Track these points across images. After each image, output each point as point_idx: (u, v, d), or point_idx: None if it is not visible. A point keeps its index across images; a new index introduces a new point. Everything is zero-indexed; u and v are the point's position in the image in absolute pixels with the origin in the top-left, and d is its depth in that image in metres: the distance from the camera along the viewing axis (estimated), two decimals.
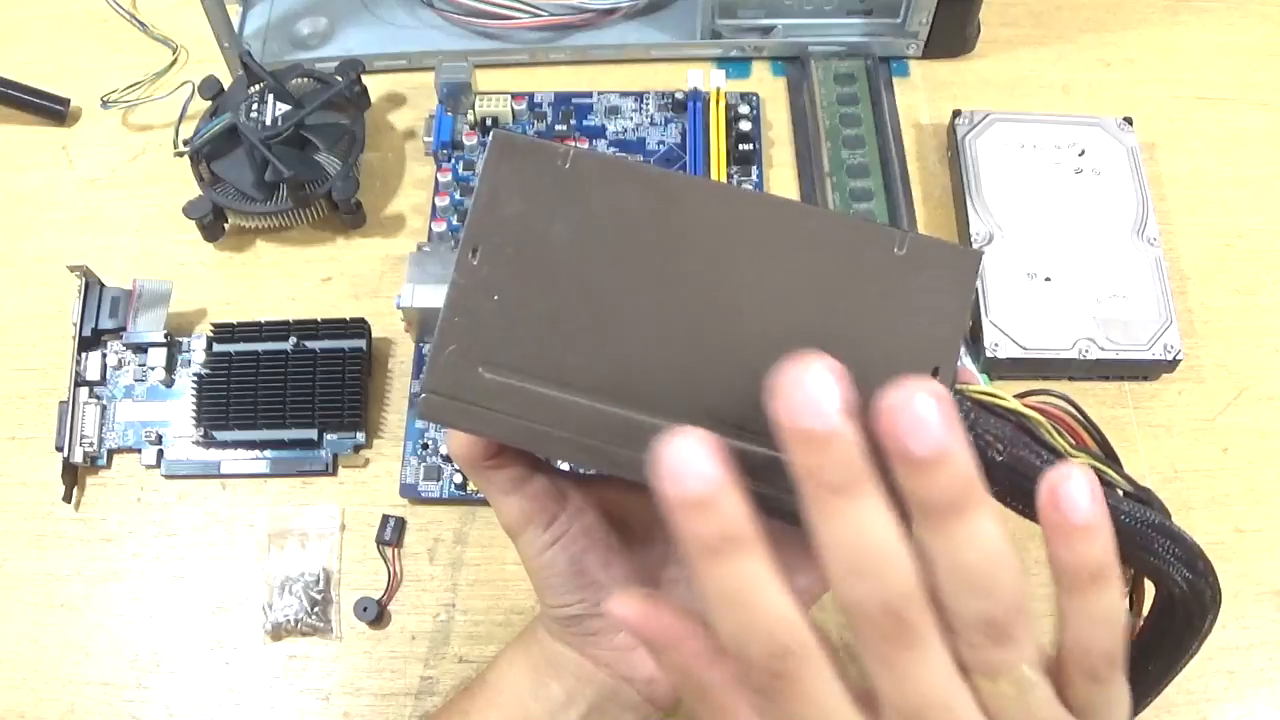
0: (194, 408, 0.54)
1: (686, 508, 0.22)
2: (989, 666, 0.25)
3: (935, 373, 0.28)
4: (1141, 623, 0.34)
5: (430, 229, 0.59)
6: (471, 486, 0.53)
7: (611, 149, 0.62)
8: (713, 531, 0.23)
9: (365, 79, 0.61)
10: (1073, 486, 0.24)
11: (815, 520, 0.23)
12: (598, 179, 0.29)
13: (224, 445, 0.54)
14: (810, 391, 0.22)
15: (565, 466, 0.40)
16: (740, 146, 0.61)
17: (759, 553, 0.23)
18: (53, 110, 0.64)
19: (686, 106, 0.62)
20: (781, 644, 0.24)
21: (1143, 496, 0.32)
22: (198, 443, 0.54)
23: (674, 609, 0.27)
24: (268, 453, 0.54)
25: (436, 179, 0.61)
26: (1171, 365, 0.54)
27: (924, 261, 0.29)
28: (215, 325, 0.56)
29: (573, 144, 0.30)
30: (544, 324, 0.29)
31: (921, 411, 0.22)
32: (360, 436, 0.54)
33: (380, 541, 0.52)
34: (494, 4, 0.64)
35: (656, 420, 0.28)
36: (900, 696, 0.24)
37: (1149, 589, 0.34)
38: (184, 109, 0.63)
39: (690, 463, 0.22)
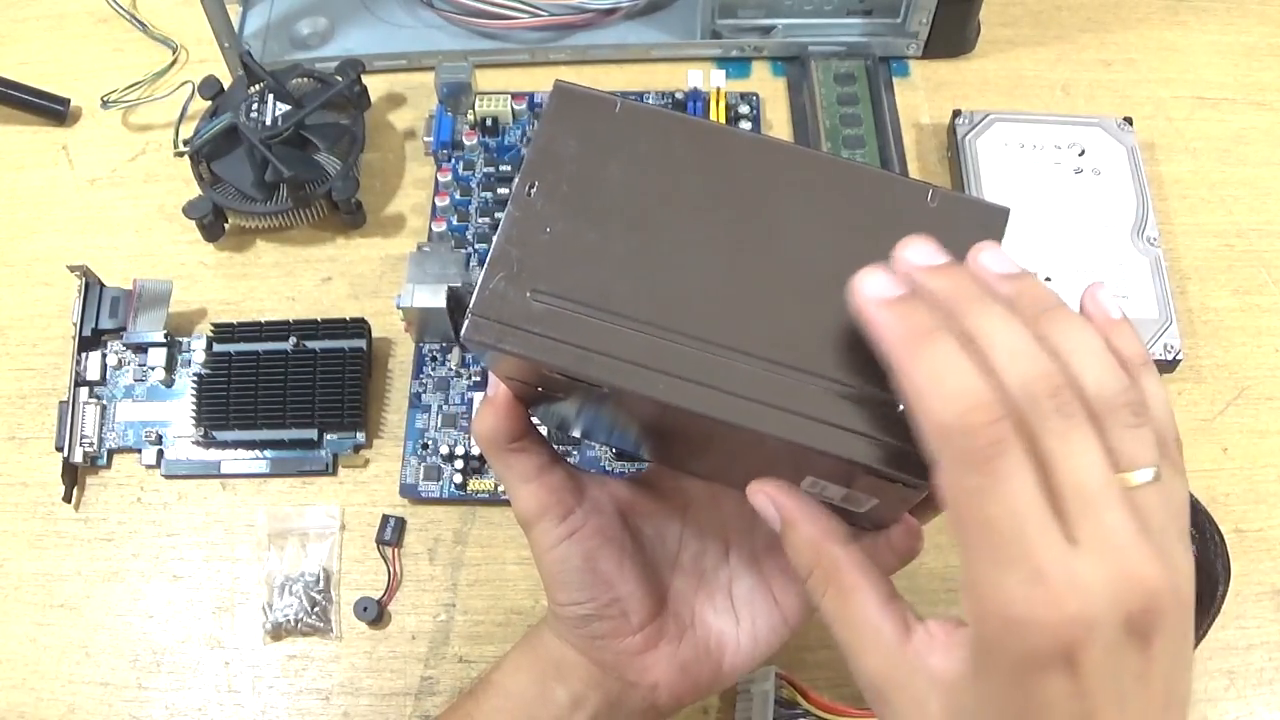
0: (194, 408, 0.54)
1: (891, 303, 0.27)
2: (1130, 455, 0.27)
3: None
4: None
5: (430, 229, 0.59)
6: (472, 486, 0.53)
7: None
8: (921, 318, 0.27)
9: (365, 79, 0.61)
10: (1104, 294, 0.29)
11: (976, 322, 0.27)
12: (647, 127, 0.31)
13: (224, 445, 0.54)
14: (924, 244, 0.29)
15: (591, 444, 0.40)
16: None
17: (959, 341, 0.27)
18: (53, 110, 0.64)
19: (687, 106, 0.62)
20: (998, 409, 0.26)
21: None
22: (198, 443, 0.54)
23: (803, 495, 0.32)
24: (268, 453, 0.54)
25: (436, 179, 0.60)
26: (1171, 365, 0.54)
27: (955, 214, 0.30)
28: (215, 325, 0.56)
29: (624, 96, 0.32)
30: (593, 255, 0.30)
31: (999, 248, 0.29)
32: (360, 436, 0.54)
33: (380, 541, 0.52)
34: (494, 4, 0.64)
35: (697, 348, 0.29)
36: (1079, 475, 0.26)
37: None
38: (184, 109, 0.63)
39: (886, 278, 0.28)
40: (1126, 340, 0.29)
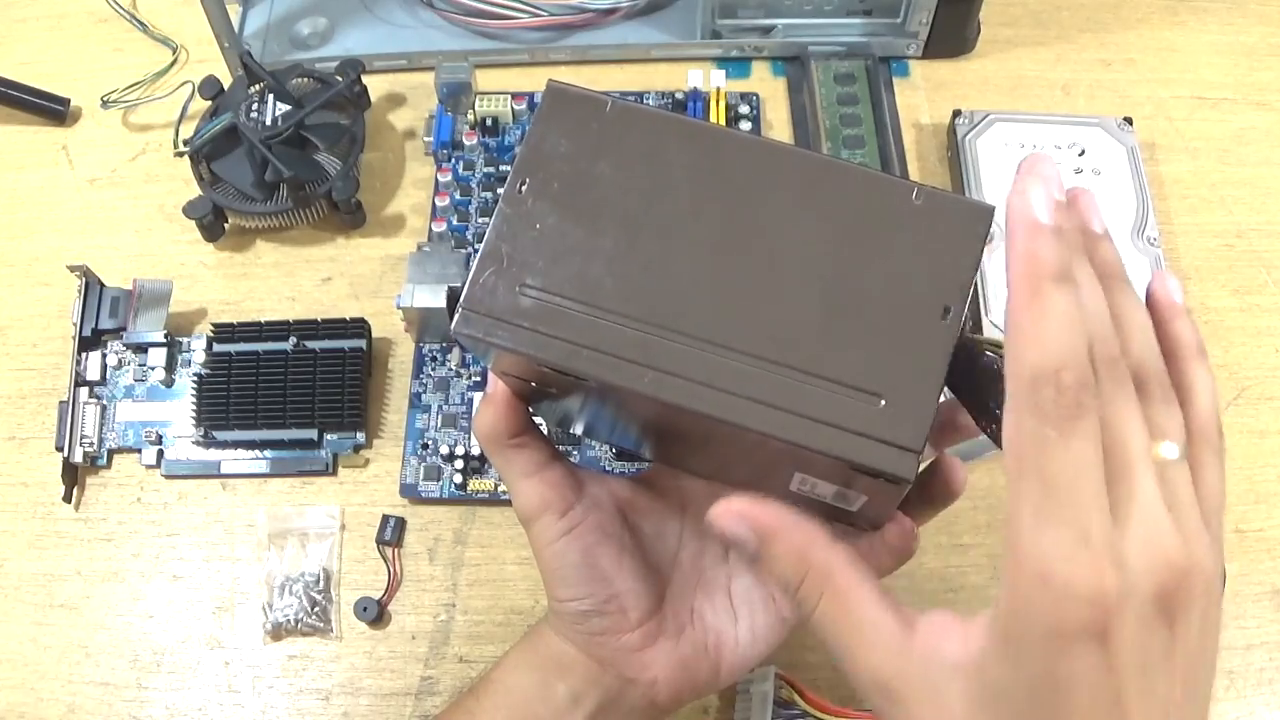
0: (194, 408, 0.54)
1: (1042, 231, 0.27)
2: (1160, 427, 0.27)
3: (946, 313, 0.30)
4: None
5: (430, 229, 0.59)
6: (472, 486, 0.53)
7: None
8: (1060, 260, 0.27)
9: (365, 79, 0.61)
10: (1172, 281, 0.31)
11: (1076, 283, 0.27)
12: (638, 126, 0.32)
13: (224, 445, 0.54)
14: (1052, 170, 0.28)
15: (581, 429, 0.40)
16: None
17: (1074, 290, 0.27)
18: (53, 110, 0.64)
19: (687, 106, 0.62)
20: (1088, 375, 0.26)
21: None
22: (198, 443, 0.54)
23: (776, 503, 0.32)
24: (268, 453, 0.54)
25: (436, 179, 0.60)
26: None
27: (939, 212, 0.30)
28: (215, 325, 0.56)
29: (620, 96, 0.32)
30: (582, 251, 0.31)
31: (1093, 199, 0.30)
32: (360, 436, 0.54)
33: (380, 541, 0.52)
34: (494, 4, 0.64)
35: (683, 343, 0.30)
36: (1124, 443, 0.26)
37: None
38: (184, 109, 0.63)
39: (1049, 200, 0.27)
40: (1185, 327, 0.30)
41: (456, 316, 0.30)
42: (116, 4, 0.67)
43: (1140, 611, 0.25)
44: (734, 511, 0.32)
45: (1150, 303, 0.30)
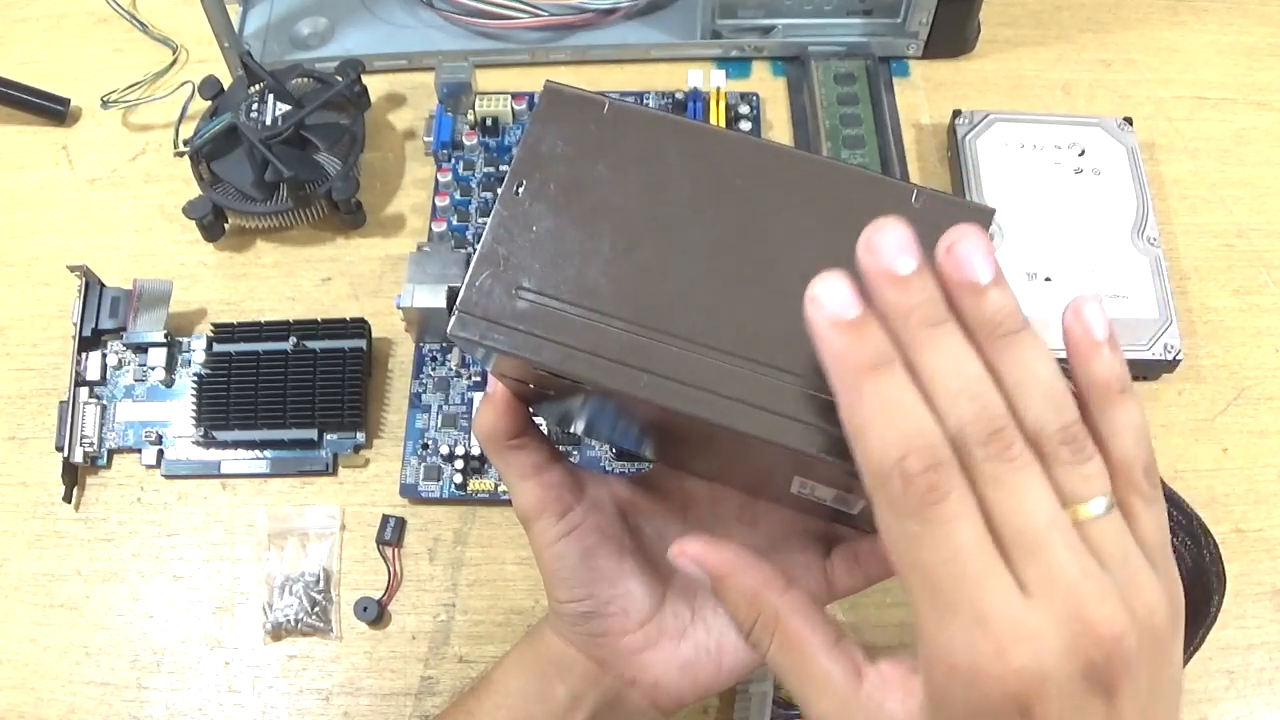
0: (194, 408, 0.54)
1: (845, 328, 0.26)
2: (1074, 491, 0.26)
3: None
4: None
5: (430, 229, 0.59)
6: (472, 486, 0.53)
7: None
8: (872, 349, 0.25)
9: (365, 79, 0.61)
10: (1090, 310, 0.27)
11: (922, 355, 0.26)
12: (635, 127, 0.31)
13: (224, 445, 0.54)
14: (894, 239, 0.26)
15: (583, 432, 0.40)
16: None
17: (907, 376, 0.26)
18: (53, 110, 0.64)
19: (687, 107, 0.62)
20: (936, 455, 0.25)
21: None
22: (198, 443, 0.54)
23: (734, 546, 0.32)
24: (268, 453, 0.54)
25: (436, 179, 0.60)
26: (1171, 365, 0.54)
27: (939, 215, 0.30)
28: (215, 325, 0.56)
29: (619, 96, 0.32)
30: (579, 254, 0.31)
31: (978, 242, 0.26)
32: (360, 436, 0.54)
33: (380, 541, 0.52)
34: (494, 4, 0.64)
35: (680, 346, 0.30)
36: (1022, 519, 0.25)
37: None
38: (184, 109, 0.63)
39: (845, 294, 0.26)
40: (1105, 364, 0.27)
41: (453, 319, 0.31)
42: (116, 4, 0.67)
43: (1066, 688, 0.24)
44: (688, 553, 0.32)
45: (1065, 341, 0.28)
